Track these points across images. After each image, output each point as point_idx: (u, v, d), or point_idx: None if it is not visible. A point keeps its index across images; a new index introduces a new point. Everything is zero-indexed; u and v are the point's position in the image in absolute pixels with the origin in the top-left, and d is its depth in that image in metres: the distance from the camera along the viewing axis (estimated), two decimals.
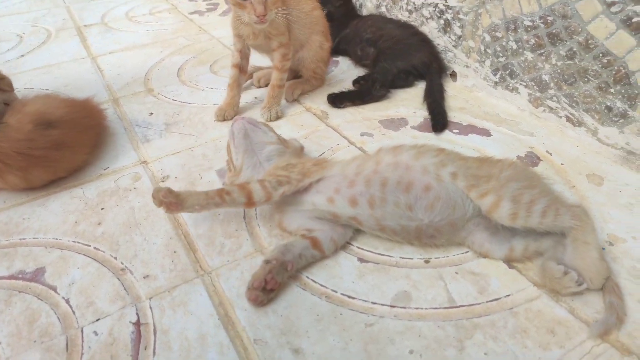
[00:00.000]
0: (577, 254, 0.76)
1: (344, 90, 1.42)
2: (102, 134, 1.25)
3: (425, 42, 1.51)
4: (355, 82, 1.48)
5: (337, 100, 1.38)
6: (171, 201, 0.84)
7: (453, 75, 1.50)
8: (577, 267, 0.75)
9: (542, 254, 0.82)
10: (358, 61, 1.63)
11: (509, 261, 0.83)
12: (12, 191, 1.06)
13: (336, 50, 1.68)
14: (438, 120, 1.25)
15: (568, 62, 1.12)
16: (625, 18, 0.98)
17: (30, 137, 1.00)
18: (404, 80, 1.47)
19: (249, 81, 1.51)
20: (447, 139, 1.19)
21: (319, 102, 1.41)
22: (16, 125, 1.00)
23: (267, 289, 0.78)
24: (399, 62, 1.45)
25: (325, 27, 1.43)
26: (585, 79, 1.10)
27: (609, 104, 1.07)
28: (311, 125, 1.29)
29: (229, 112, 1.32)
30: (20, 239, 0.94)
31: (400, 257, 0.86)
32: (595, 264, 0.75)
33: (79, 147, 1.11)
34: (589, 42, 1.06)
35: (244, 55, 1.32)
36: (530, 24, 1.18)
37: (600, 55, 1.05)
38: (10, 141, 0.98)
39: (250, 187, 0.87)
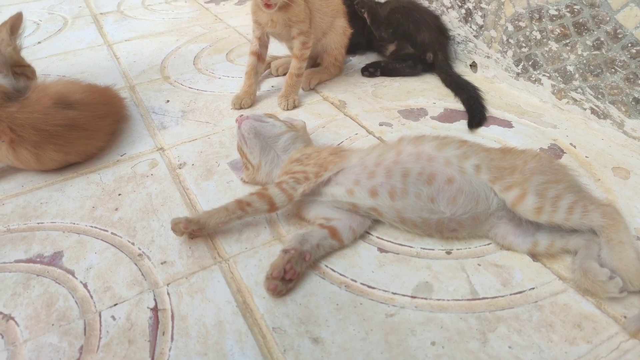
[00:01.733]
0: (614, 255, 0.73)
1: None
2: (120, 122, 1.25)
3: (440, 30, 1.48)
4: (363, 69, 1.48)
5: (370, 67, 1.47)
6: (193, 229, 0.84)
7: (473, 66, 1.47)
8: (615, 268, 0.72)
9: (570, 252, 0.80)
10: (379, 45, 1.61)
11: (533, 255, 0.81)
12: (25, 169, 1.07)
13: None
14: (475, 116, 1.20)
15: (595, 52, 1.09)
16: None
17: (46, 112, 1.00)
18: (411, 68, 1.46)
19: (267, 71, 1.50)
20: (468, 130, 1.17)
21: (336, 91, 1.39)
22: (35, 101, 1.01)
23: (286, 279, 0.76)
24: (409, 25, 1.45)
25: (346, 12, 1.41)
26: (613, 70, 1.07)
27: (636, 95, 1.04)
28: (329, 114, 1.28)
29: (246, 101, 1.31)
30: (38, 223, 0.94)
31: (421, 248, 0.84)
32: (634, 264, 0.72)
33: (95, 132, 1.11)
34: (618, 31, 1.03)
35: (263, 43, 1.31)
36: (555, 13, 1.15)
37: (629, 45, 1.02)
38: (26, 113, 0.99)
39: (269, 193, 0.85)
